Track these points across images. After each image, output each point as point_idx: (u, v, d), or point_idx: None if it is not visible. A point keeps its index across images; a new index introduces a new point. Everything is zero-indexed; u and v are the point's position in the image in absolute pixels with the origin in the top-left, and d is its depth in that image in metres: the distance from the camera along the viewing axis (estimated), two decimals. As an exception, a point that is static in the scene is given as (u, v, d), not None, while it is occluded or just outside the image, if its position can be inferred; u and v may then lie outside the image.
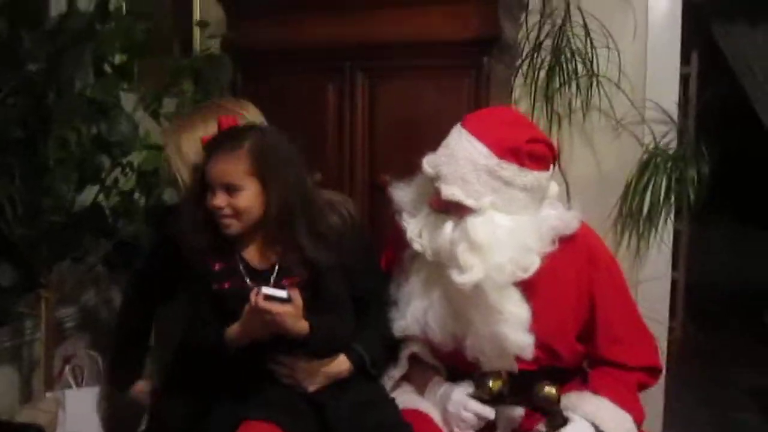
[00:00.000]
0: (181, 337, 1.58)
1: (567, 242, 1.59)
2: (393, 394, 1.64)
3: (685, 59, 4.30)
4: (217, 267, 1.55)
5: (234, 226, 1.51)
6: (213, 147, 1.51)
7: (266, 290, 1.43)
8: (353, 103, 2.32)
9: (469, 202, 1.50)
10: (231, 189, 1.48)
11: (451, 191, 1.51)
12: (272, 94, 2.39)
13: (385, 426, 1.49)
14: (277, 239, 1.54)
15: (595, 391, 1.55)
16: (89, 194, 1.91)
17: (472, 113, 1.65)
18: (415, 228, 1.59)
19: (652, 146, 2.50)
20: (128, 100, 1.94)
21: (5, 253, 1.75)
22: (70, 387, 1.97)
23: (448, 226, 1.53)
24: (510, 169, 1.51)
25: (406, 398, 1.64)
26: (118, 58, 1.81)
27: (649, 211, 2.50)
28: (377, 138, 2.30)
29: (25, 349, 2.11)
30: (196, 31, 2.65)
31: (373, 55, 2.27)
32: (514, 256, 1.50)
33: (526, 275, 1.51)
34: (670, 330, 4.29)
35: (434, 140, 1.66)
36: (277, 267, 1.55)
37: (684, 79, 4.30)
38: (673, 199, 2.49)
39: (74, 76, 1.65)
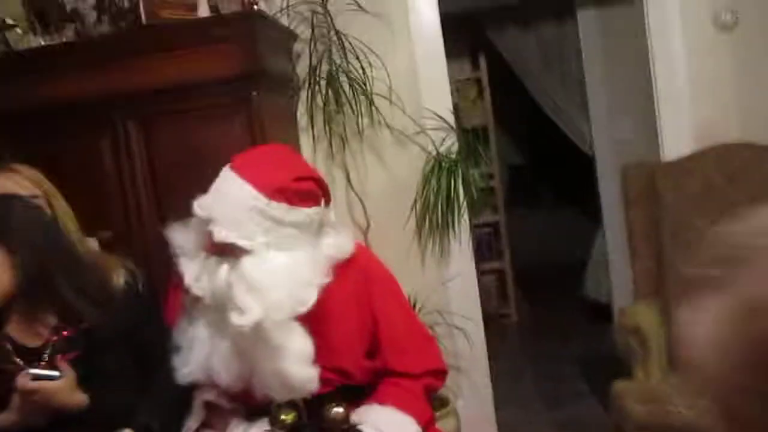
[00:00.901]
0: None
1: (344, 265, 1.64)
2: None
3: (475, 65, 4.62)
4: None
5: None
6: None
7: (34, 371, 1.37)
8: (130, 153, 2.27)
9: (242, 243, 1.51)
10: None
11: (223, 233, 1.51)
12: (40, 156, 2.26)
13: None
14: (42, 308, 1.47)
15: (380, 402, 1.61)
16: None
17: (240, 154, 1.66)
18: (193, 272, 1.57)
19: (434, 152, 2.64)
20: None
21: None
22: None
23: (224, 269, 1.52)
24: (279, 209, 1.53)
25: (206, 447, 1.61)
26: None
27: (442, 212, 2.64)
28: (160, 184, 2.27)
29: None
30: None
31: (142, 103, 2.24)
32: (292, 292, 1.51)
33: (304, 309, 1.53)
34: (501, 315, 4.57)
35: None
36: (48, 341, 1.47)
37: (477, 82, 4.62)
38: (462, 197, 2.64)
39: None
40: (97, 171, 2.28)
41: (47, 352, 1.46)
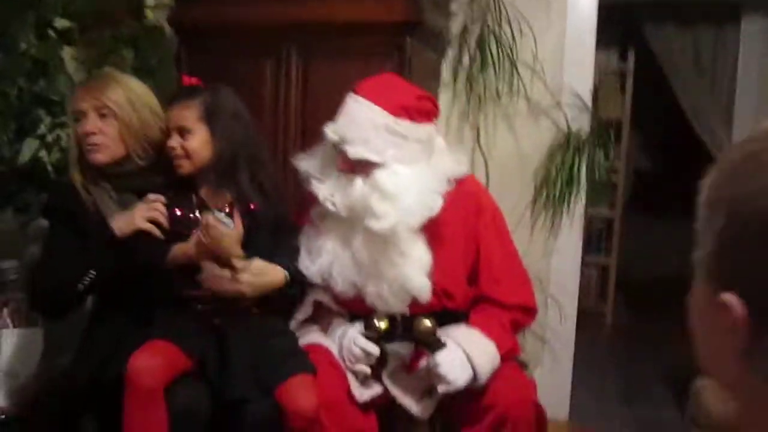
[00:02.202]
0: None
1: (457, 193, 1.79)
2: (298, 334, 1.82)
3: (622, 57, 4.57)
4: (173, 195, 1.76)
5: (185, 166, 1.74)
6: (174, 98, 1.76)
7: (217, 214, 1.67)
8: (288, 78, 2.50)
9: (374, 158, 1.70)
10: (183, 132, 1.71)
11: (356, 151, 1.70)
12: (214, 68, 2.56)
13: (282, 353, 1.68)
14: (225, 185, 1.75)
15: (469, 323, 1.76)
16: (32, 150, 2.06)
17: (361, 82, 1.84)
18: (326, 191, 1.77)
19: (565, 129, 2.71)
20: (72, 65, 2.10)
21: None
22: (7, 327, 2.12)
23: (358, 183, 1.72)
24: (405, 125, 1.72)
25: (309, 336, 1.83)
26: (61, 24, 1.97)
27: (560, 190, 2.71)
28: (309, 110, 2.49)
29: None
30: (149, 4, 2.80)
31: (307, 35, 2.45)
32: (421, 198, 1.70)
33: (432, 213, 1.71)
34: (596, 313, 4.55)
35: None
36: (227, 206, 1.74)
37: (622, 74, 4.57)
38: (583, 178, 2.70)
39: (17, 37, 1.80)
40: (258, 89, 2.52)
41: (224, 210, 1.73)
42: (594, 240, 4.51)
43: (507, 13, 2.62)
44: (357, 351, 1.72)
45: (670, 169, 5.83)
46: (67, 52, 2.01)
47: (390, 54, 2.38)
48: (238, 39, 2.53)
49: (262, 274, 1.71)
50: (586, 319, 4.33)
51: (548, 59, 2.70)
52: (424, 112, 1.74)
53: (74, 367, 1.75)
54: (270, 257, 1.74)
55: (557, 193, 2.72)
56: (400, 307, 1.75)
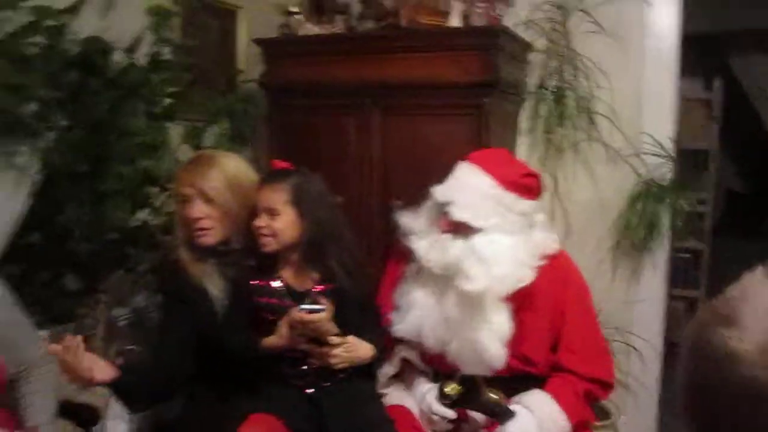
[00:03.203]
0: (212, 343, 1.84)
1: (548, 266, 1.87)
2: (384, 390, 1.93)
3: (708, 86, 4.47)
4: (261, 283, 1.88)
5: (271, 245, 1.83)
6: (264, 180, 1.88)
7: (305, 306, 1.73)
8: (370, 135, 2.63)
9: (477, 223, 1.81)
10: (271, 213, 1.81)
11: (462, 214, 1.81)
12: (301, 126, 2.74)
13: (372, 422, 1.78)
14: (311, 265, 1.86)
15: (544, 389, 1.82)
16: (141, 214, 2.27)
17: (476, 152, 1.98)
18: (424, 248, 1.88)
19: (645, 176, 2.70)
20: (175, 132, 2.30)
21: (72, 264, 2.13)
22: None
23: (457, 244, 1.82)
24: (510, 198, 1.84)
25: (394, 395, 1.93)
26: (164, 102, 2.17)
27: (643, 236, 2.70)
28: (390, 167, 2.61)
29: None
30: (242, 67, 3.01)
31: (388, 94, 2.57)
32: (513, 269, 1.79)
33: (522, 285, 1.79)
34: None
35: (439, 171, 1.97)
36: (312, 289, 1.85)
37: (707, 104, 4.47)
38: (665, 226, 2.68)
39: (130, 120, 2.00)
40: (342, 145, 2.67)
41: (310, 295, 1.83)
42: (680, 271, 4.40)
43: (584, 65, 2.64)
44: (435, 417, 1.81)
45: (762, 193, 5.60)
46: (170, 129, 2.20)
47: (468, 113, 2.46)
48: (323, 98, 2.69)
49: (354, 349, 1.81)
50: (674, 353, 4.24)
51: (626, 106, 2.71)
52: (529, 188, 1.86)
53: (182, 424, 1.90)
54: (358, 334, 1.83)
55: (638, 241, 2.71)
56: (476, 370, 1.82)
